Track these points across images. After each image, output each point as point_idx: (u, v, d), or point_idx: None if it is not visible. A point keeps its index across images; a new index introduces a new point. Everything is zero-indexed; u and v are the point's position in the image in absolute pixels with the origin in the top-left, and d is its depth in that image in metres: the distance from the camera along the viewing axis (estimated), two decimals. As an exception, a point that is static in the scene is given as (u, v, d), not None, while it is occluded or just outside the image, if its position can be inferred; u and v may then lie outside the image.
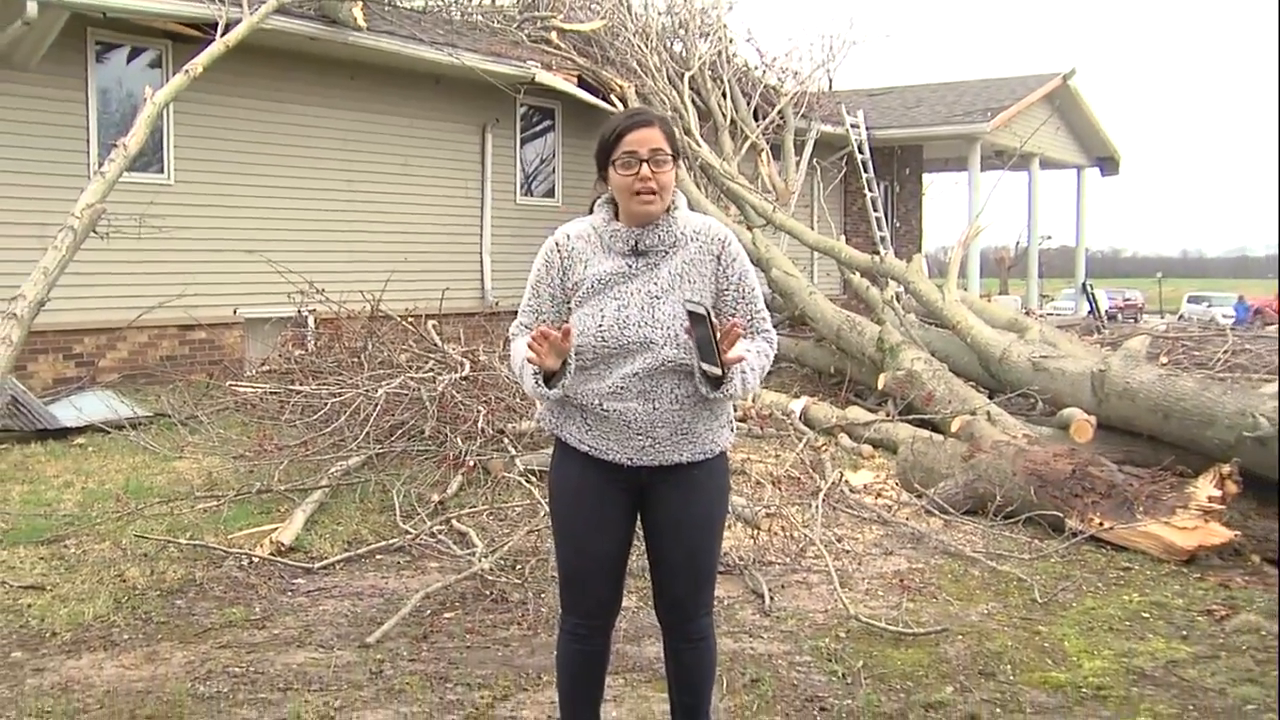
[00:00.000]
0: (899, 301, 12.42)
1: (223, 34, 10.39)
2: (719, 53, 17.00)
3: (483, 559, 5.48)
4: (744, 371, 3.07)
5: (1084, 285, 27.93)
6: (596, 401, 3.13)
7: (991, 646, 4.78)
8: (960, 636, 4.91)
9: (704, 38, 17.27)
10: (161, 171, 11.54)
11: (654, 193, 3.10)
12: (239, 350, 12.14)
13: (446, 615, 5.10)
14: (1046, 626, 5.08)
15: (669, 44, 16.85)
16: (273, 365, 10.26)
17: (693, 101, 15.76)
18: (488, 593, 5.32)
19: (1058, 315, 27.92)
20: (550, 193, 16.15)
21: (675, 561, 3.26)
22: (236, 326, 12.16)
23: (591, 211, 3.27)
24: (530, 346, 2.98)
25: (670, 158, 3.13)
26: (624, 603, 5.32)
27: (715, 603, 3.56)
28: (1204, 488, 6.47)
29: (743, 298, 3.21)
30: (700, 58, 16.48)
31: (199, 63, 10.03)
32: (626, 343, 3.08)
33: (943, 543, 6.43)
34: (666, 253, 3.16)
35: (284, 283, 10.97)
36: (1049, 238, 43.43)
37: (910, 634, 4.90)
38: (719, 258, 3.18)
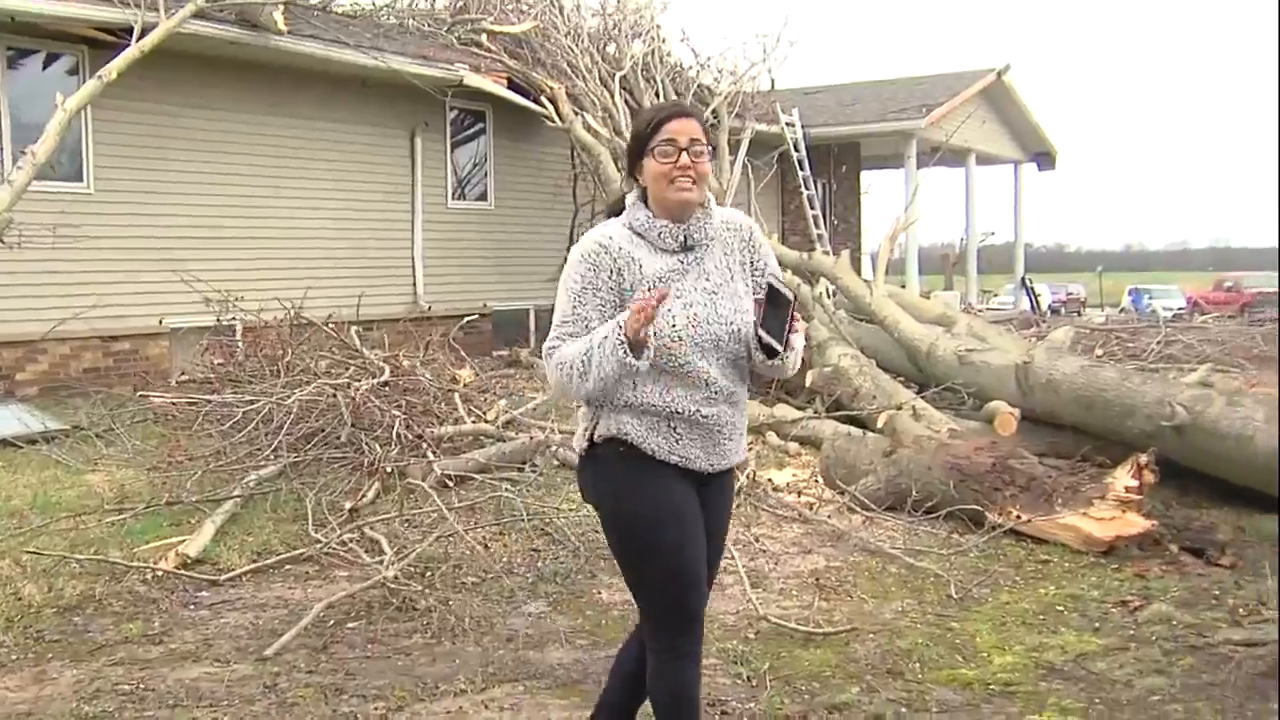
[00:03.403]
0: (830, 298, 12.39)
1: (138, 39, 10.21)
2: (652, 52, 16.92)
3: (389, 567, 5.36)
4: (795, 348, 3.06)
5: (1023, 280, 28.11)
6: (693, 408, 3.01)
7: (902, 644, 4.73)
8: (871, 635, 4.86)
9: (637, 38, 17.19)
10: (81, 180, 11.31)
11: (692, 180, 3.03)
12: (166, 361, 11.92)
13: (350, 625, 4.99)
14: (959, 623, 5.04)
15: (601, 45, 16.74)
16: (192, 375, 10.08)
17: (625, 102, 15.68)
18: (394, 601, 5.21)
19: (1000, 310, 28.07)
20: (483, 196, 16.04)
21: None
22: (163, 337, 11.94)
23: (617, 213, 3.15)
24: (636, 316, 2.83)
25: (707, 149, 3.06)
26: (534, 606, 5.28)
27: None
28: (1121, 478, 6.47)
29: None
30: (632, 58, 16.40)
31: (113, 68, 9.85)
32: (702, 341, 3.00)
33: (862, 540, 6.37)
34: (708, 246, 3.11)
35: (211, 291, 10.77)
36: (992, 234, 43.58)
37: (820, 634, 4.84)
38: (750, 243, 3.19)
